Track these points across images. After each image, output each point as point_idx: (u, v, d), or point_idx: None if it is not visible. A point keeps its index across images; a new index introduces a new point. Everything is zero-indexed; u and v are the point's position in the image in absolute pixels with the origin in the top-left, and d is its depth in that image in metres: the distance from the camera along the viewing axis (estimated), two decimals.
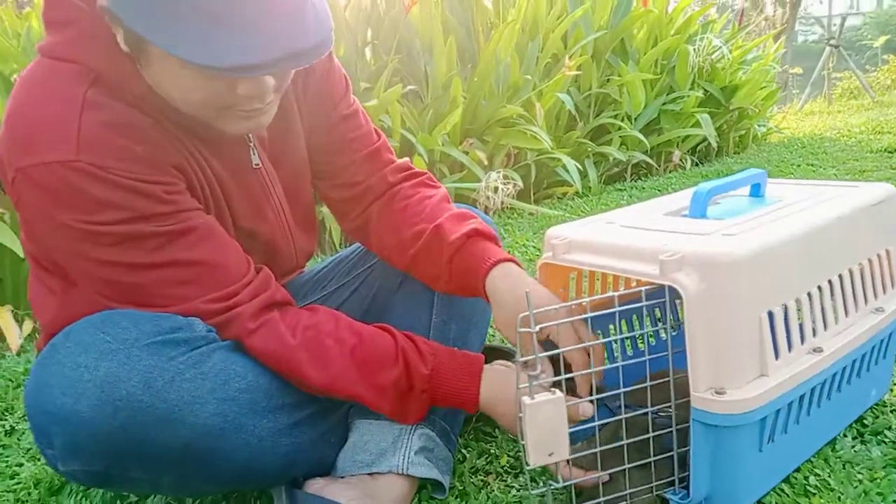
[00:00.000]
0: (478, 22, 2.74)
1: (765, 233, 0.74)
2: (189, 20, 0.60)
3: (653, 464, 0.76)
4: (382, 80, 2.30)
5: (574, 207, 2.67)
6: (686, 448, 0.75)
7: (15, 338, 1.57)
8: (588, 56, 3.00)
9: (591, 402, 0.75)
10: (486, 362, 0.82)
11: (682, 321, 0.72)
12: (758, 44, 4.21)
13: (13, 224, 1.56)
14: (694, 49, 3.39)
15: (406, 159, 1.00)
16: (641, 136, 3.08)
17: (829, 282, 0.80)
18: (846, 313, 0.83)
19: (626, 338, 1.03)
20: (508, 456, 0.95)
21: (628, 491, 0.76)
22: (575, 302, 0.73)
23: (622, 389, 0.74)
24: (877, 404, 0.98)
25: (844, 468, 0.85)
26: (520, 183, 2.51)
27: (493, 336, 1.39)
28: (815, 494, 0.80)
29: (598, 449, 0.74)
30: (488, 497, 0.86)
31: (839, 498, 0.79)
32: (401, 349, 0.79)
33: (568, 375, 0.74)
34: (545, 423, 0.67)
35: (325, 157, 0.93)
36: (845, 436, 0.91)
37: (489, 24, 2.84)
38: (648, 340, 1.01)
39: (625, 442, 0.74)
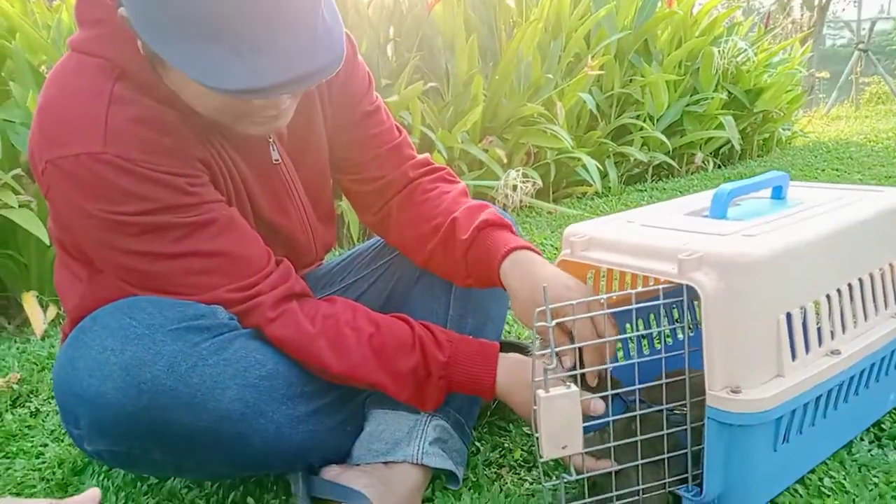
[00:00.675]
0: (500, 20, 2.74)
1: (785, 234, 0.74)
2: (198, 41, 0.61)
3: (666, 460, 0.76)
4: (404, 77, 2.31)
5: (593, 207, 2.66)
6: (700, 446, 0.75)
7: (40, 323, 1.60)
8: (611, 56, 2.99)
9: (606, 397, 0.75)
10: None
11: (699, 321, 0.72)
12: (784, 47, 4.16)
13: (40, 212, 1.59)
14: (719, 51, 3.36)
15: (426, 155, 1.01)
16: (663, 137, 3.06)
17: (850, 285, 0.80)
18: (865, 317, 0.82)
19: (643, 336, 1.03)
20: (522, 450, 0.95)
21: (641, 486, 0.77)
22: (593, 298, 0.74)
23: (637, 386, 0.75)
24: (895, 409, 0.97)
25: (860, 471, 0.84)
26: (539, 181, 2.51)
27: (508, 332, 1.40)
28: (829, 496, 0.80)
29: (611, 444, 0.75)
30: (501, 489, 0.87)
31: (854, 500, 0.79)
32: (418, 337, 0.81)
33: (583, 371, 0.75)
34: (559, 416, 0.68)
35: (347, 152, 0.94)
36: (862, 439, 0.91)
37: (512, 23, 2.84)
38: (665, 340, 1.01)
39: (638, 438, 0.75)
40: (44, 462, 1.03)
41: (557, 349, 0.70)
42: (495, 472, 0.91)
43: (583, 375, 0.75)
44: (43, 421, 1.17)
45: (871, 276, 0.83)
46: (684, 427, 0.76)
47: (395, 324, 0.82)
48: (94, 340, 0.67)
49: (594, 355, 0.76)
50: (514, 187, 2.37)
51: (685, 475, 0.78)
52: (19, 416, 1.19)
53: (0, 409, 1.21)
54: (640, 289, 0.76)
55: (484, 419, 1.03)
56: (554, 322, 0.69)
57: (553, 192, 2.80)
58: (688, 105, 3.29)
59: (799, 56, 4.17)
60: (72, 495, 0.92)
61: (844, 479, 0.83)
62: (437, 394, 0.81)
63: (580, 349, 0.74)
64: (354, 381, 0.79)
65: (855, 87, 7.12)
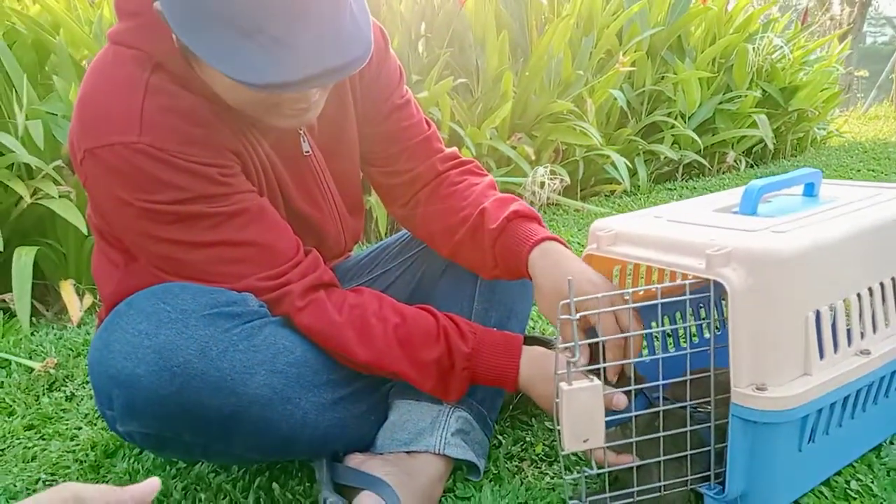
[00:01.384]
0: (531, 17, 2.73)
1: (816, 231, 0.73)
2: (227, 35, 0.62)
3: (688, 457, 0.76)
4: (434, 73, 2.32)
5: (622, 206, 2.64)
6: (723, 444, 0.74)
7: (76, 310, 1.65)
8: (643, 52, 2.96)
9: (629, 392, 0.75)
10: None
11: (726, 319, 0.72)
12: (821, 44, 4.08)
13: (79, 202, 1.64)
14: (753, 48, 3.30)
15: (454, 148, 1.01)
16: (695, 136, 3.02)
17: (881, 284, 0.79)
18: None
19: (668, 331, 1.03)
20: (544, 444, 0.96)
21: (662, 483, 0.76)
22: (618, 293, 0.74)
23: (661, 381, 0.75)
24: None
25: (889, 475, 0.83)
26: (567, 179, 2.50)
27: (532, 328, 1.40)
28: (855, 499, 0.79)
29: (633, 439, 0.75)
30: (522, 483, 0.87)
31: None
32: (442, 328, 0.81)
33: (605, 364, 0.75)
34: (581, 409, 0.68)
35: (377, 145, 0.96)
36: (891, 443, 0.89)
37: (543, 19, 2.83)
38: (691, 337, 1.01)
39: (661, 434, 0.75)
40: (77, 444, 1.06)
41: (581, 342, 0.70)
42: (516, 466, 0.92)
43: (605, 370, 0.75)
44: (77, 405, 1.20)
45: None
46: (708, 424, 0.76)
47: (421, 315, 0.83)
48: (128, 324, 0.69)
49: (616, 351, 0.76)
50: (542, 184, 2.37)
51: (707, 473, 0.77)
52: (55, 399, 1.22)
53: (37, 392, 1.26)
54: (666, 283, 0.75)
55: (506, 413, 1.04)
56: (578, 315, 0.69)
57: (581, 190, 2.78)
58: (720, 103, 3.24)
59: (837, 54, 4.08)
60: (104, 477, 0.96)
61: (872, 482, 0.81)
62: (461, 384, 0.82)
63: (603, 344, 0.74)
64: (379, 370, 0.81)
65: (895, 86, 6.92)
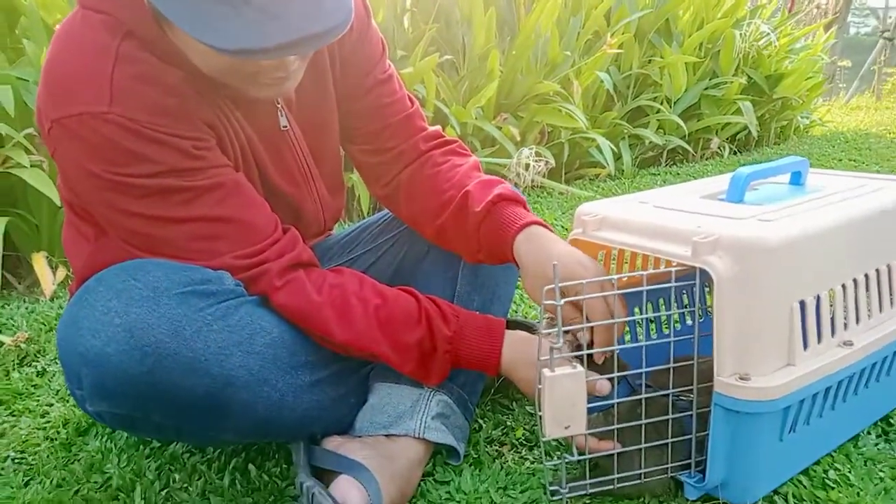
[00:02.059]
0: None
1: (803, 221, 0.73)
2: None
3: (669, 445, 0.76)
4: (419, 49, 2.28)
5: (606, 189, 2.63)
6: (704, 433, 0.74)
7: (49, 283, 1.61)
8: (630, 35, 2.94)
9: (612, 378, 0.75)
10: None
11: (710, 307, 0.71)
12: (807, 32, 4.08)
13: (51, 172, 1.59)
14: (740, 34, 3.29)
15: (438, 127, 0.99)
16: (680, 121, 3.02)
17: (866, 275, 0.79)
18: (880, 309, 0.81)
19: (651, 319, 1.02)
20: (524, 429, 0.95)
21: (643, 470, 0.76)
22: (607, 278, 0.72)
23: (644, 369, 0.74)
24: None
25: (866, 465, 0.84)
26: (552, 161, 2.48)
27: (514, 312, 1.39)
28: (833, 488, 0.79)
29: (615, 426, 0.74)
30: (502, 467, 0.87)
31: (858, 494, 0.78)
32: (424, 310, 0.80)
33: (591, 351, 0.74)
34: (564, 396, 0.67)
35: (358, 121, 0.93)
36: (869, 433, 0.90)
37: None
38: (673, 325, 1.00)
39: (643, 422, 0.74)
40: (48, 421, 1.03)
41: (565, 328, 0.69)
42: (497, 450, 0.91)
43: (589, 355, 0.74)
44: (49, 381, 1.18)
45: (889, 267, 0.82)
46: (690, 413, 0.75)
47: (402, 297, 0.81)
48: (98, 301, 0.67)
49: (605, 335, 0.75)
50: (527, 166, 2.35)
51: (688, 461, 0.77)
52: (26, 374, 1.19)
53: (7, 367, 1.22)
54: (651, 270, 0.74)
55: (487, 397, 1.03)
56: (563, 301, 0.68)
57: (565, 173, 2.77)
58: (706, 89, 3.24)
59: (822, 42, 4.09)
60: (76, 455, 0.94)
61: (850, 472, 0.82)
62: (442, 368, 0.81)
63: (590, 329, 0.73)
64: (358, 351, 0.79)
65: (878, 77, 6.98)
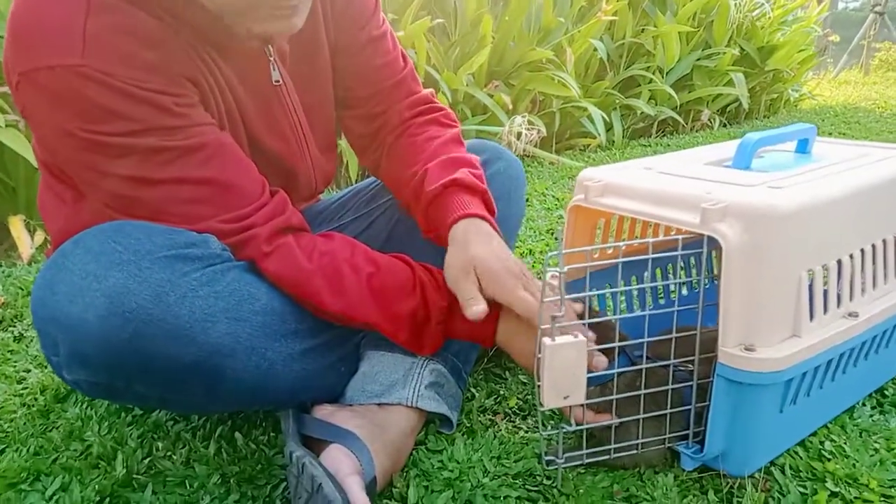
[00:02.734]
0: None
1: (813, 188, 0.71)
2: None
3: (668, 416, 0.74)
4: (410, 12, 2.22)
5: (597, 160, 2.61)
6: (703, 403, 0.73)
7: (27, 247, 1.56)
8: (625, 2, 2.88)
9: (611, 351, 0.73)
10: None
11: (717, 276, 0.69)
12: (802, 3, 4.04)
13: (28, 132, 1.53)
14: (735, 3, 3.25)
15: (431, 90, 0.96)
16: (672, 92, 2.98)
17: (873, 246, 0.77)
18: (885, 279, 0.79)
19: (648, 289, 1.00)
20: (517, 398, 0.93)
21: (640, 441, 0.75)
22: (611, 245, 0.70)
23: (645, 339, 0.72)
24: None
25: (861, 436, 0.83)
26: (543, 130, 2.44)
27: None
28: (829, 459, 0.78)
29: (613, 396, 0.73)
30: (495, 436, 0.85)
31: (854, 465, 0.77)
32: (418, 279, 0.77)
33: (589, 321, 0.72)
34: (564, 365, 0.65)
35: (349, 82, 0.89)
36: (864, 404, 0.89)
37: None
38: (669, 295, 0.99)
39: (642, 392, 0.73)
40: (26, 388, 1.00)
41: (567, 297, 0.67)
42: (490, 419, 0.89)
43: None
44: (27, 346, 1.14)
45: (895, 238, 0.80)
46: (689, 383, 0.74)
47: (396, 265, 0.79)
48: (75, 265, 0.63)
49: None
50: (519, 134, 2.31)
51: (686, 432, 0.76)
52: (2, 340, 1.16)
53: None
54: (659, 238, 0.72)
55: (480, 366, 1.01)
56: (567, 268, 0.65)
57: (556, 143, 2.74)
58: (699, 59, 3.20)
59: (815, 15, 4.05)
60: (54, 423, 0.90)
61: (845, 443, 0.81)
62: (435, 339, 0.78)
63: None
64: (351, 320, 0.76)
65: (866, 52, 6.97)
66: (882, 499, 0.72)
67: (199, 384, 0.69)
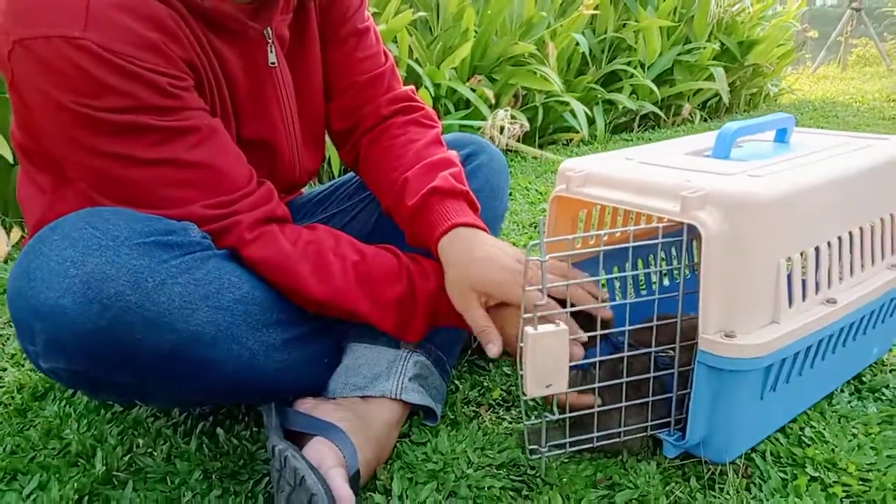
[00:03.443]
0: None
1: (792, 177, 0.71)
2: None
3: (650, 403, 0.75)
4: (392, 6, 2.21)
5: (579, 154, 2.61)
6: (685, 391, 0.73)
7: (3, 245, 1.53)
8: None
9: (593, 338, 0.73)
10: None
11: (697, 264, 0.69)
12: None
13: (3, 125, 1.50)
14: None
15: (411, 87, 0.95)
16: (653, 86, 3.00)
17: (850, 233, 0.78)
18: (862, 267, 0.80)
19: (631, 277, 1.01)
20: (501, 389, 0.93)
21: (623, 428, 0.75)
22: (593, 233, 0.70)
23: (627, 327, 0.73)
24: (876, 362, 0.97)
25: (840, 422, 0.84)
26: (526, 124, 2.45)
27: None
28: (809, 445, 0.79)
29: (596, 385, 0.73)
30: (479, 427, 0.85)
31: (833, 450, 0.78)
32: (405, 266, 0.77)
33: (572, 309, 0.72)
34: (546, 354, 0.65)
35: (330, 73, 0.89)
36: (842, 391, 0.90)
37: None
38: (651, 284, 0.99)
39: (624, 380, 0.73)
40: (2, 386, 0.98)
41: (549, 285, 0.67)
42: (473, 411, 0.89)
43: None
44: (3, 344, 1.12)
45: (872, 226, 0.81)
46: (671, 371, 0.74)
47: (381, 253, 0.78)
48: (52, 251, 0.62)
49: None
50: (502, 129, 2.31)
51: (668, 419, 0.76)
52: None
53: None
54: (640, 227, 0.72)
55: (464, 358, 1.01)
56: (548, 257, 0.65)
57: (539, 138, 2.74)
58: (679, 54, 3.22)
59: (794, 10, 4.09)
60: (31, 421, 0.89)
61: (824, 429, 0.82)
62: (422, 324, 0.78)
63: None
64: (336, 308, 0.75)
65: (844, 47, 7.05)
66: (860, 482, 0.73)
67: (178, 374, 0.68)
